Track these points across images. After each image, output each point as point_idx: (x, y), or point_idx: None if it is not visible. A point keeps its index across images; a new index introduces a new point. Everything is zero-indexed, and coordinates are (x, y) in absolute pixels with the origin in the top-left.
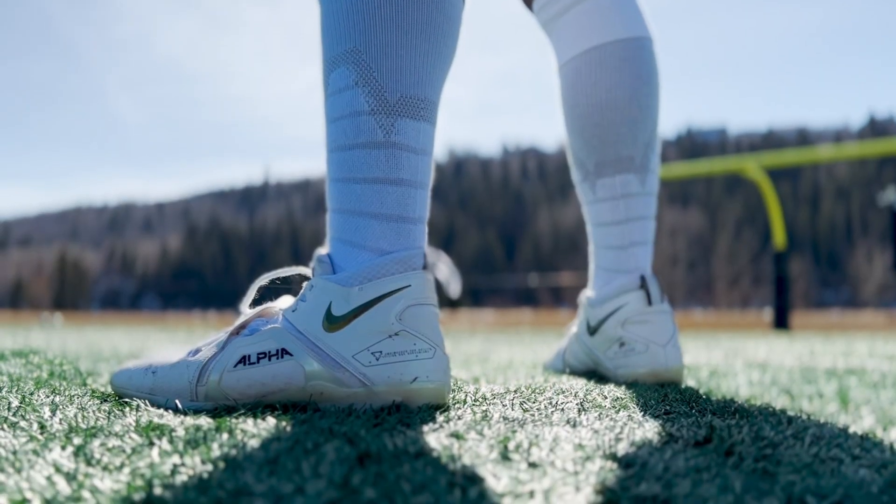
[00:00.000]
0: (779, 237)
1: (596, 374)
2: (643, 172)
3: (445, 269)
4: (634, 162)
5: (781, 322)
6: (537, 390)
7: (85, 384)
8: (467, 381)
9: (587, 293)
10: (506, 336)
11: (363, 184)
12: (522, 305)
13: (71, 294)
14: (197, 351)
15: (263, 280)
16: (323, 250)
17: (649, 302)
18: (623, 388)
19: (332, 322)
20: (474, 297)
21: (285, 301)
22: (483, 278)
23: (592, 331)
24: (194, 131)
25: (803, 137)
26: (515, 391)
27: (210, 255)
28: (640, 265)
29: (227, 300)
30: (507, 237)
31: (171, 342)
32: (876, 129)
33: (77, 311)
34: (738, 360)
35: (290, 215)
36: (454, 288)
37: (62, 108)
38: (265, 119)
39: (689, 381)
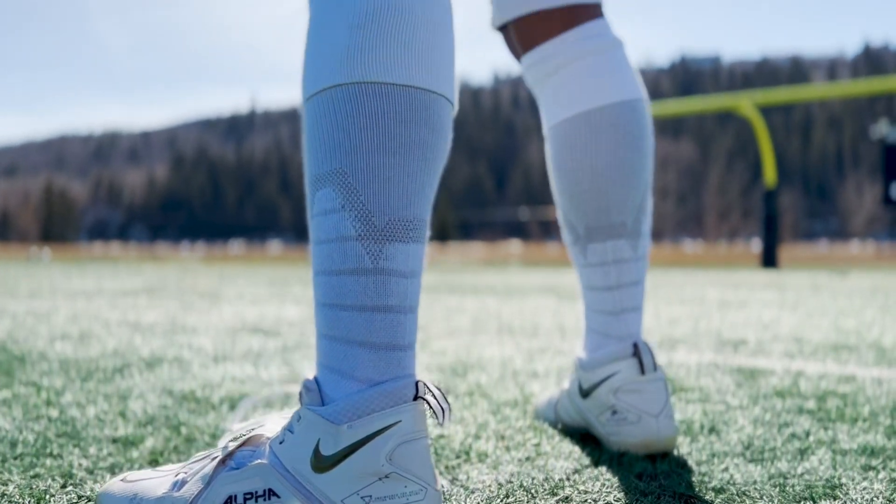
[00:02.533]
0: (769, 176)
1: (589, 436)
2: (635, 237)
3: (435, 397)
4: (626, 227)
5: (770, 260)
6: (531, 490)
7: (53, 473)
8: (454, 447)
9: (579, 354)
10: (494, 279)
11: (351, 311)
12: (512, 239)
13: (59, 225)
14: (182, 483)
15: (253, 399)
16: (310, 374)
17: (642, 371)
18: (617, 477)
19: (321, 462)
20: (464, 230)
21: (273, 423)
22: (473, 212)
23: (585, 394)
24: (179, 57)
25: (797, 66)
26: (508, 483)
27: (198, 185)
28: (632, 331)
29: (215, 232)
30: (498, 168)
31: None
32: (870, 57)
33: (65, 243)
34: (728, 378)
35: (279, 145)
36: (446, 418)
37: (43, 31)
38: (251, 45)
39: (681, 443)
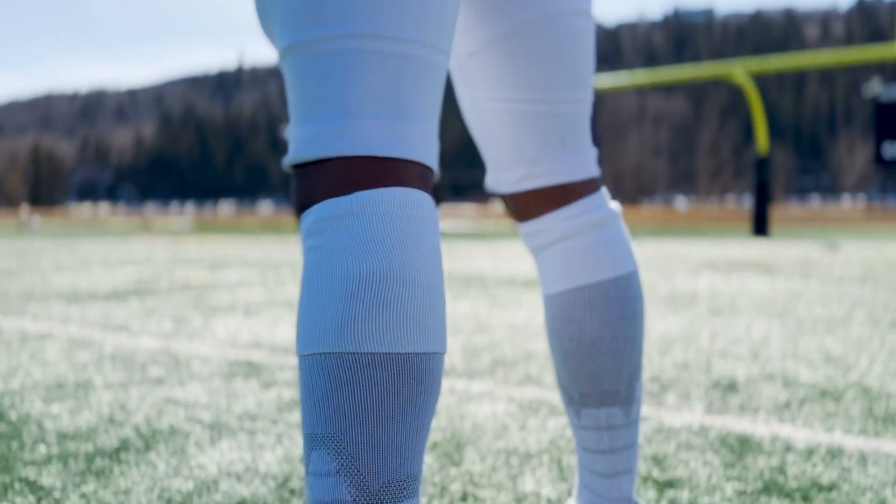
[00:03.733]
0: (762, 143)
1: None
2: (628, 404)
3: None
4: (619, 395)
5: (761, 227)
6: None
7: None
8: None
9: None
10: (485, 261)
11: None
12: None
13: (47, 187)
14: None
15: None
16: None
17: None
18: None
19: None
20: (455, 191)
21: None
22: (465, 173)
23: None
24: (164, 12)
25: (791, 19)
26: None
27: (186, 144)
28: (624, 494)
29: (205, 192)
30: None
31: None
32: (864, 9)
33: (54, 206)
34: (716, 458)
35: (267, 102)
36: None
37: None
38: None
39: None
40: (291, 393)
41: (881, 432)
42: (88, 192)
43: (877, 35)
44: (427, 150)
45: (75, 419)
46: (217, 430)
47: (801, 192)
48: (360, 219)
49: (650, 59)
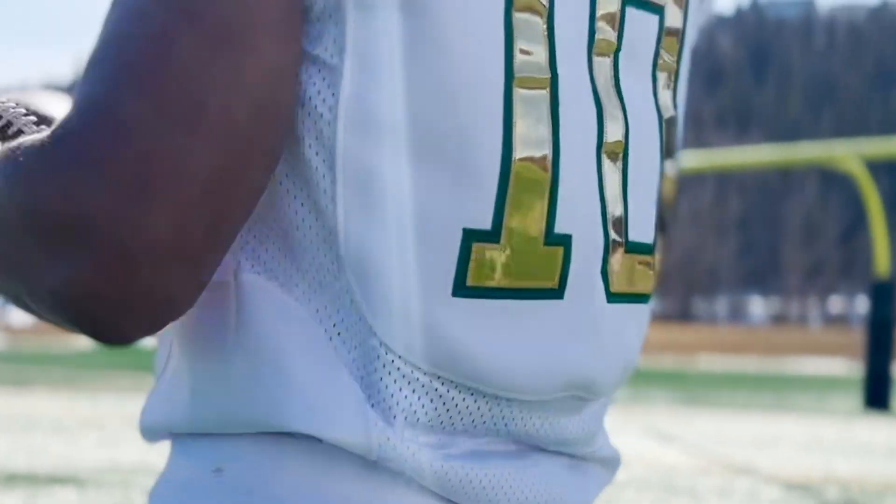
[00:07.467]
0: (881, 260)
1: None
2: None
3: None
4: None
5: (878, 396)
6: None
7: None
8: None
9: None
10: None
11: None
12: None
13: None
14: None
15: None
16: None
17: None
18: None
19: None
20: None
21: None
22: None
23: None
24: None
25: None
26: None
27: None
28: None
29: None
30: None
31: None
32: None
33: None
34: None
35: None
36: None
37: None
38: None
39: None
40: None
41: None
42: None
43: None
44: None
45: None
46: None
47: None
48: None
49: (714, 73)
